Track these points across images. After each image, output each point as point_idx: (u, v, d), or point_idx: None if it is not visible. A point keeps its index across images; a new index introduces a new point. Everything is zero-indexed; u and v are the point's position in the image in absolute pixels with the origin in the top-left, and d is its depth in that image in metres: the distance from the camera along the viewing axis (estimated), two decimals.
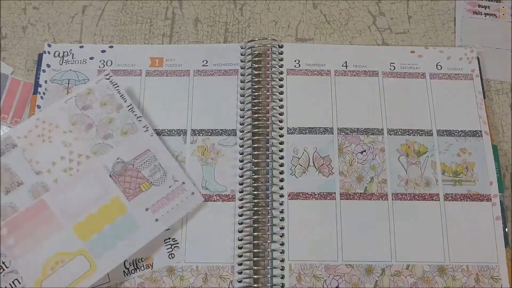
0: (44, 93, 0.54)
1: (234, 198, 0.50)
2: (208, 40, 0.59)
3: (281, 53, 0.56)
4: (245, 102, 0.53)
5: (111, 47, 0.56)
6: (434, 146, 0.53)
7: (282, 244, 0.49)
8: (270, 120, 0.53)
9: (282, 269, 0.48)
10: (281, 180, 0.51)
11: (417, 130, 0.53)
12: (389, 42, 0.59)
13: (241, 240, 0.49)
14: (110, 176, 0.49)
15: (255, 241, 0.49)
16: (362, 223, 0.50)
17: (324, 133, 0.53)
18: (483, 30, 0.59)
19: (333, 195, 0.51)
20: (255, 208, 0.50)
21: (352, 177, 0.51)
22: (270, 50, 0.56)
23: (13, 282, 0.45)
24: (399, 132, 0.53)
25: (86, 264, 0.46)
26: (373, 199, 0.51)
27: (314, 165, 0.52)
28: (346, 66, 0.56)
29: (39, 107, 0.53)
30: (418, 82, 0.55)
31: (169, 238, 0.49)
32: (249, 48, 0.55)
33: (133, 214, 0.48)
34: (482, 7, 0.61)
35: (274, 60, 0.55)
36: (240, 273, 0.48)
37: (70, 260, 0.46)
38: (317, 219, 0.50)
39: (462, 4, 0.61)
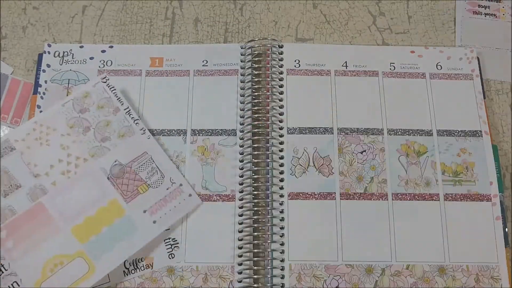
0: (44, 93, 0.54)
1: (234, 198, 0.51)
2: (208, 40, 0.59)
3: (281, 53, 0.56)
4: (245, 102, 0.53)
5: (111, 47, 0.56)
6: (434, 146, 0.53)
7: (282, 244, 0.49)
8: (270, 120, 0.53)
9: (282, 269, 0.48)
10: (281, 180, 0.51)
11: (417, 130, 0.53)
12: (389, 42, 0.59)
13: (241, 240, 0.49)
14: (108, 178, 0.49)
15: (255, 241, 0.49)
16: (362, 223, 0.50)
17: (324, 133, 0.53)
18: (483, 30, 0.59)
19: (333, 195, 0.51)
20: (255, 208, 0.50)
21: (352, 177, 0.51)
22: (270, 50, 0.56)
23: (12, 284, 0.46)
24: (399, 132, 0.53)
25: (85, 266, 0.46)
26: (373, 199, 0.51)
27: (314, 165, 0.52)
28: (346, 66, 0.56)
29: (39, 107, 0.53)
30: (418, 82, 0.55)
31: (169, 238, 0.49)
32: (249, 48, 0.55)
33: (131, 216, 0.48)
34: (482, 7, 0.61)
35: (274, 60, 0.55)
36: (240, 273, 0.48)
37: (69, 262, 0.46)
38: (317, 219, 0.50)
39: (462, 4, 0.61)
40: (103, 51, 0.56)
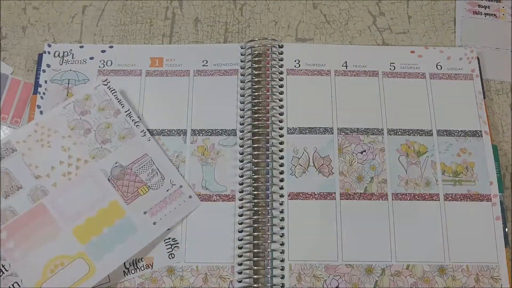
0: (44, 93, 0.54)
1: (234, 198, 0.51)
2: (208, 40, 0.59)
3: (281, 53, 0.56)
4: (245, 102, 0.53)
5: (111, 47, 0.56)
6: (434, 146, 0.53)
7: (282, 244, 0.49)
8: (270, 120, 0.53)
9: (282, 269, 0.48)
10: (281, 180, 0.51)
11: (417, 130, 0.53)
12: (389, 42, 0.59)
13: (241, 240, 0.49)
14: (108, 180, 0.49)
15: (255, 241, 0.49)
16: (362, 223, 0.50)
17: (324, 133, 0.53)
18: (483, 30, 0.59)
19: (333, 195, 0.51)
20: (255, 208, 0.50)
21: (352, 177, 0.51)
22: (270, 50, 0.56)
23: (12, 285, 0.46)
24: (399, 132, 0.53)
25: (85, 267, 0.46)
26: (373, 199, 0.51)
27: (314, 165, 0.52)
28: (346, 66, 0.56)
29: (39, 107, 0.53)
30: (418, 82, 0.55)
31: (169, 238, 0.49)
32: (249, 48, 0.55)
33: (131, 218, 0.48)
34: (482, 7, 0.61)
35: (274, 60, 0.55)
36: (240, 273, 0.48)
37: (70, 263, 0.46)
38: (317, 219, 0.50)
39: (462, 4, 0.61)
40: (103, 51, 0.56)
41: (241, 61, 0.55)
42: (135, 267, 0.48)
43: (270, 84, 0.54)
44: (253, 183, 0.51)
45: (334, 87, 0.55)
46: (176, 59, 0.56)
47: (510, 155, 0.54)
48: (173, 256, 0.49)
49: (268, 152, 0.51)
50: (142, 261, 0.49)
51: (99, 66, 0.55)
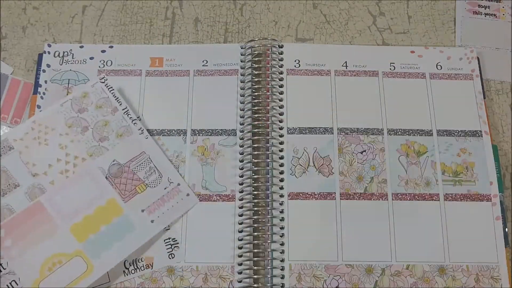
0: (44, 93, 0.54)
1: (234, 198, 0.50)
2: (208, 40, 0.59)
3: (281, 53, 0.56)
4: (245, 102, 0.53)
5: (111, 47, 0.56)
6: (434, 146, 0.53)
7: (282, 244, 0.49)
8: (270, 120, 0.53)
9: (282, 269, 0.48)
10: (281, 180, 0.51)
11: (417, 130, 0.53)
12: (389, 42, 0.59)
13: (241, 240, 0.49)
14: (106, 178, 0.49)
15: (255, 241, 0.49)
16: (362, 223, 0.50)
17: (324, 133, 0.53)
18: (483, 30, 0.59)
19: (333, 195, 0.51)
20: (255, 208, 0.50)
21: (352, 177, 0.51)
22: (270, 50, 0.56)
23: (10, 283, 0.46)
24: (399, 132, 0.53)
25: (83, 265, 0.46)
26: (373, 199, 0.51)
27: (314, 165, 0.52)
28: (346, 66, 0.56)
29: (39, 107, 0.53)
30: (418, 82, 0.55)
31: (169, 238, 0.49)
32: (249, 48, 0.55)
33: (129, 216, 0.48)
34: (482, 7, 0.61)
35: (274, 60, 0.55)
36: (240, 273, 0.48)
37: (68, 261, 0.46)
38: (317, 219, 0.50)
39: (462, 4, 0.61)
40: (103, 51, 0.56)
41: (241, 61, 0.55)
42: (135, 267, 0.48)
43: (270, 84, 0.54)
44: (253, 183, 0.50)
45: (334, 87, 0.55)
46: (176, 59, 0.56)
47: (510, 155, 0.54)
48: (173, 256, 0.49)
49: (268, 152, 0.51)
50: (142, 261, 0.49)
51: (99, 66, 0.55)
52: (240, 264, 0.48)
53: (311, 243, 0.49)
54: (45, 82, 0.54)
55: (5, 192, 0.48)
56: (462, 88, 0.55)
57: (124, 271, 0.48)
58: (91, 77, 0.55)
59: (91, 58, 0.56)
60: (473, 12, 0.60)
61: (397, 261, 0.49)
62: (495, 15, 0.60)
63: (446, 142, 0.53)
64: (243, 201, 0.50)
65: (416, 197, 0.51)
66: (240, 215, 0.50)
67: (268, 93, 0.53)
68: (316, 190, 0.51)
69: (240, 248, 0.49)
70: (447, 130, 0.53)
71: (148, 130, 0.52)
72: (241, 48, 0.56)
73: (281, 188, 0.51)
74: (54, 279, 0.46)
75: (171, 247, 0.49)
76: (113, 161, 0.50)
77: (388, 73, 0.56)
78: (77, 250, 0.47)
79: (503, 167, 0.54)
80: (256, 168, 0.51)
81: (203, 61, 0.56)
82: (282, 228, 0.49)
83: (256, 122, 0.52)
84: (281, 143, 0.52)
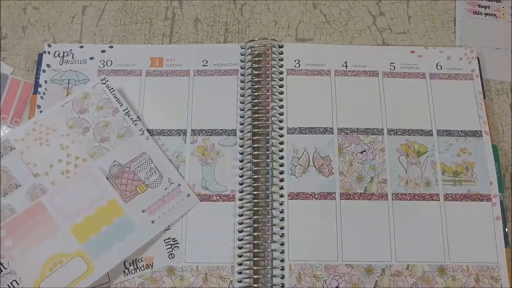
0: (44, 93, 0.54)
1: (234, 198, 0.50)
2: (208, 40, 0.59)
3: (281, 53, 0.56)
4: (245, 102, 0.53)
5: (111, 47, 0.56)
6: (434, 146, 0.53)
7: (282, 244, 0.49)
8: (270, 120, 0.53)
9: (282, 269, 0.48)
10: (281, 180, 0.51)
11: (417, 130, 0.53)
12: (389, 42, 0.59)
13: (241, 240, 0.49)
14: (107, 178, 0.49)
15: (255, 241, 0.49)
16: (362, 223, 0.50)
17: (324, 133, 0.53)
18: (483, 30, 0.59)
19: (333, 195, 0.51)
20: (255, 208, 0.50)
21: (352, 177, 0.51)
22: (270, 50, 0.56)
23: (11, 283, 0.46)
24: (399, 132, 0.53)
25: (84, 265, 0.46)
26: (373, 199, 0.51)
27: (314, 165, 0.52)
28: (346, 66, 0.56)
29: (39, 107, 0.53)
30: (418, 82, 0.55)
31: (169, 238, 0.49)
32: (249, 48, 0.55)
33: (129, 216, 0.48)
34: (482, 7, 0.61)
35: (274, 60, 0.55)
36: (240, 273, 0.48)
37: (68, 261, 0.46)
38: (317, 219, 0.50)
39: (462, 4, 0.61)
40: (103, 51, 0.56)
41: (241, 61, 0.55)
42: (135, 267, 0.48)
43: (270, 84, 0.54)
44: (253, 183, 0.50)
45: (334, 87, 0.55)
46: (176, 59, 0.56)
47: (510, 155, 0.54)
48: (173, 256, 0.49)
49: (268, 152, 0.51)
50: (142, 261, 0.49)
51: (99, 66, 0.55)
52: (240, 264, 0.48)
53: (311, 243, 0.49)
54: (45, 82, 0.54)
55: (6, 192, 0.48)
56: (462, 88, 0.55)
57: (124, 271, 0.48)
58: (91, 77, 0.55)
59: (91, 58, 0.56)
60: (473, 12, 0.60)
61: (397, 261, 0.49)
62: (495, 15, 0.60)
63: (446, 142, 0.53)
64: (243, 201, 0.50)
65: (416, 197, 0.51)
66: (240, 215, 0.50)
67: (268, 93, 0.53)
68: (316, 190, 0.51)
69: (240, 248, 0.49)
70: (447, 130, 0.53)
71: (148, 130, 0.52)
72: (241, 48, 0.56)
73: (281, 188, 0.51)
74: (55, 279, 0.46)
75: (171, 247, 0.49)
76: (114, 161, 0.50)
77: (388, 73, 0.56)
78: (78, 251, 0.47)
79: (503, 167, 0.54)
80: (256, 168, 0.51)
81: (203, 61, 0.56)
82: (282, 228, 0.49)
83: (256, 122, 0.52)
84: (281, 143, 0.52)
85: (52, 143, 0.50)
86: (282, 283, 0.48)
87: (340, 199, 0.51)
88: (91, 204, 0.48)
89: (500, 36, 0.59)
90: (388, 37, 0.59)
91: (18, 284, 0.46)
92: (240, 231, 0.49)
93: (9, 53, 0.57)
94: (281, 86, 0.54)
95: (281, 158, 0.52)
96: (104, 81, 0.53)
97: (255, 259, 0.48)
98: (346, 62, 0.56)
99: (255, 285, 0.47)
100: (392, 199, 0.51)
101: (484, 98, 0.55)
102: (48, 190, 0.49)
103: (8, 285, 0.46)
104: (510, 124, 0.55)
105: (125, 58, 0.56)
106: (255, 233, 0.49)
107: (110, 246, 0.47)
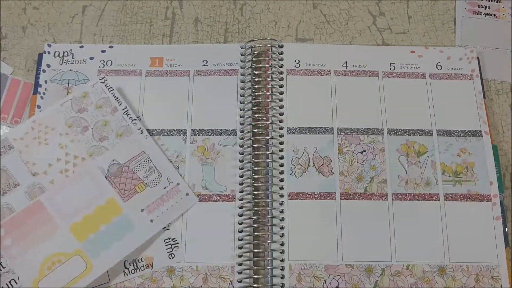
0: (44, 93, 0.54)
1: (234, 198, 0.50)
2: (208, 40, 0.59)
3: (281, 53, 0.56)
4: (245, 102, 0.53)
5: (111, 47, 0.56)
6: (434, 146, 0.53)
7: (282, 244, 0.49)
8: (270, 120, 0.53)
9: (282, 269, 0.48)
10: (281, 180, 0.51)
11: (417, 130, 0.53)
12: (389, 42, 0.59)
13: (241, 240, 0.49)
14: (105, 177, 0.49)
15: (255, 241, 0.49)
16: (362, 223, 0.50)
17: (324, 133, 0.53)
18: (483, 30, 0.59)
19: (333, 195, 0.51)
20: (255, 208, 0.50)
21: (352, 177, 0.51)
22: (270, 50, 0.56)
23: (9, 282, 0.46)
24: (399, 132, 0.53)
25: (83, 264, 0.46)
26: (373, 199, 0.51)
27: (314, 165, 0.52)
28: (346, 66, 0.56)
29: (39, 107, 0.53)
30: (418, 82, 0.55)
31: (169, 238, 0.49)
32: (249, 48, 0.55)
33: (128, 215, 0.48)
34: (482, 7, 0.61)
35: (274, 60, 0.55)
36: (240, 273, 0.48)
37: (67, 260, 0.46)
38: (317, 219, 0.50)
39: (462, 4, 0.61)
40: (103, 51, 0.56)
41: (241, 61, 0.55)
42: (135, 267, 0.48)
43: (270, 84, 0.54)
44: (253, 183, 0.50)
45: (334, 87, 0.55)
46: (176, 59, 0.56)
47: (510, 155, 0.54)
48: (173, 256, 0.49)
49: (268, 152, 0.51)
50: (142, 261, 0.49)
51: (99, 66, 0.55)
52: (240, 264, 0.48)
53: (311, 243, 0.49)
54: (45, 82, 0.54)
55: (5, 191, 0.48)
56: (462, 88, 0.55)
57: (124, 271, 0.48)
58: (91, 77, 0.55)
59: (91, 58, 0.56)
60: (473, 12, 0.60)
61: (397, 261, 0.49)
62: (495, 15, 0.60)
63: (446, 142, 0.53)
64: (243, 201, 0.50)
65: (416, 197, 0.51)
66: (240, 215, 0.50)
67: (268, 93, 0.53)
68: (316, 190, 0.51)
69: (240, 248, 0.49)
70: (447, 130, 0.53)
71: (148, 130, 0.52)
72: (241, 48, 0.56)
73: (281, 188, 0.51)
74: (54, 278, 0.46)
75: (171, 247, 0.49)
76: (113, 160, 0.50)
77: (388, 73, 0.56)
78: (76, 250, 0.47)
79: (503, 167, 0.54)
80: (256, 168, 0.51)
81: (203, 61, 0.56)
82: (282, 228, 0.49)
83: (256, 122, 0.52)
84: (281, 143, 0.52)
85: (51, 142, 0.50)
86: (282, 283, 0.48)
87: (340, 199, 0.51)
88: (90, 203, 0.48)
89: (500, 36, 0.59)
90: (388, 37, 0.59)
91: (16, 283, 0.46)
92: (240, 231, 0.49)
93: (9, 53, 0.57)
94: (281, 86, 0.54)
95: (281, 158, 0.52)
96: (103, 80, 0.53)
97: (255, 259, 0.48)
98: (346, 62, 0.56)
99: (255, 285, 0.47)
100: (392, 199, 0.51)
101: (484, 98, 0.55)
102: (47, 189, 0.49)
103: (6, 284, 0.46)
104: (510, 124, 0.55)
105: (125, 58, 0.56)
106: (255, 233, 0.49)
107: (109, 245, 0.47)
